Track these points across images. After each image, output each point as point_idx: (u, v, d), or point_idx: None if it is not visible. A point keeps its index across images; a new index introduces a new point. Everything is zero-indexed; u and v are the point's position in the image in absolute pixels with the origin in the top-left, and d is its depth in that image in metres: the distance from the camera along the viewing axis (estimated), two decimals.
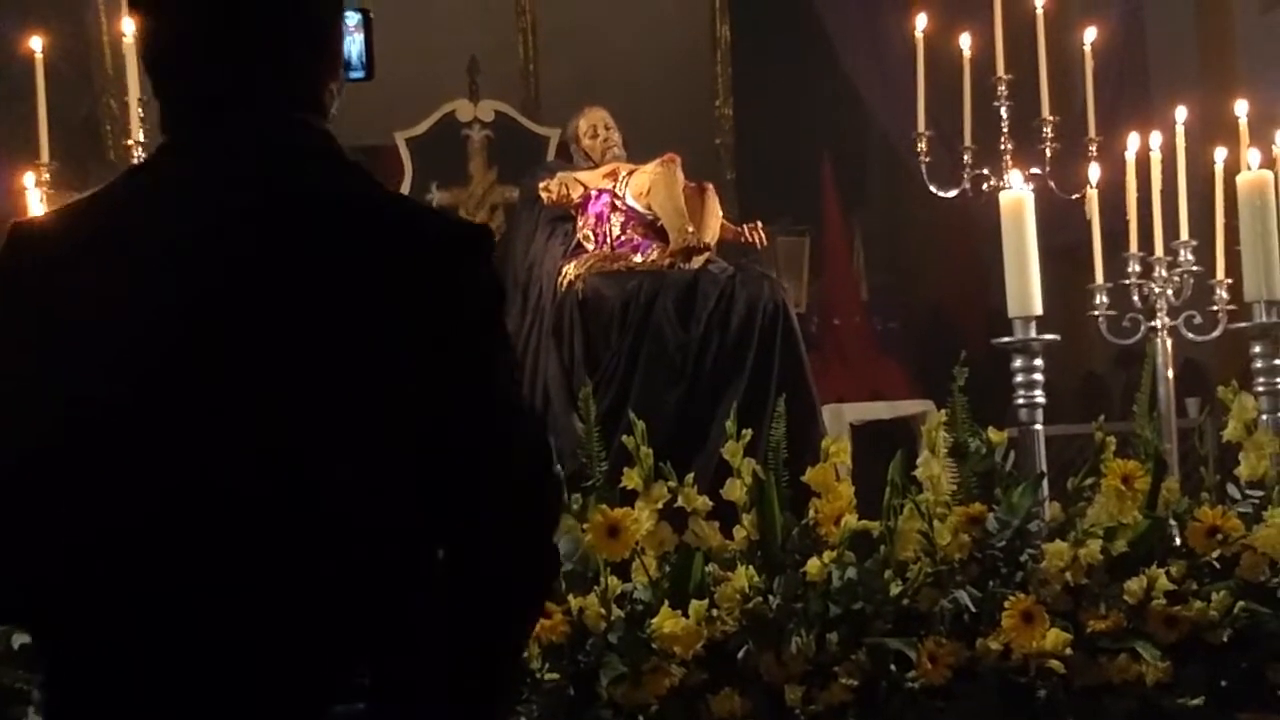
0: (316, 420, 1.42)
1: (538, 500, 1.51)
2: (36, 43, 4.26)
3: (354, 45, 1.73)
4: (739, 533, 3.30)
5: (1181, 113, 4.26)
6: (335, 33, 1.56)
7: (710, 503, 3.30)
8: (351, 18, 1.72)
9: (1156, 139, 4.23)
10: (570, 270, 4.83)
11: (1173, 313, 4.18)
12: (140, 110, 4.13)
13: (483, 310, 1.49)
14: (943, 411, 3.50)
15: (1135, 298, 4.20)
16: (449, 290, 1.46)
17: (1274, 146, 4.35)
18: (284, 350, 1.43)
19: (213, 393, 1.42)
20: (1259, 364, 3.91)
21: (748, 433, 3.35)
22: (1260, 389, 3.86)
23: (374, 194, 1.53)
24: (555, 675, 3.04)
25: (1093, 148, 4.46)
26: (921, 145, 4.52)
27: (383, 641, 1.44)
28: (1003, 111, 4.46)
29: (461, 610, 1.45)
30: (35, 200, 4.15)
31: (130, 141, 4.20)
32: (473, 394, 1.46)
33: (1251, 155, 4.08)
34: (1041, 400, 3.75)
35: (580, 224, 5.04)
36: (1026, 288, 3.74)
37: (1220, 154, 4.25)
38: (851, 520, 3.27)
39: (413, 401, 1.43)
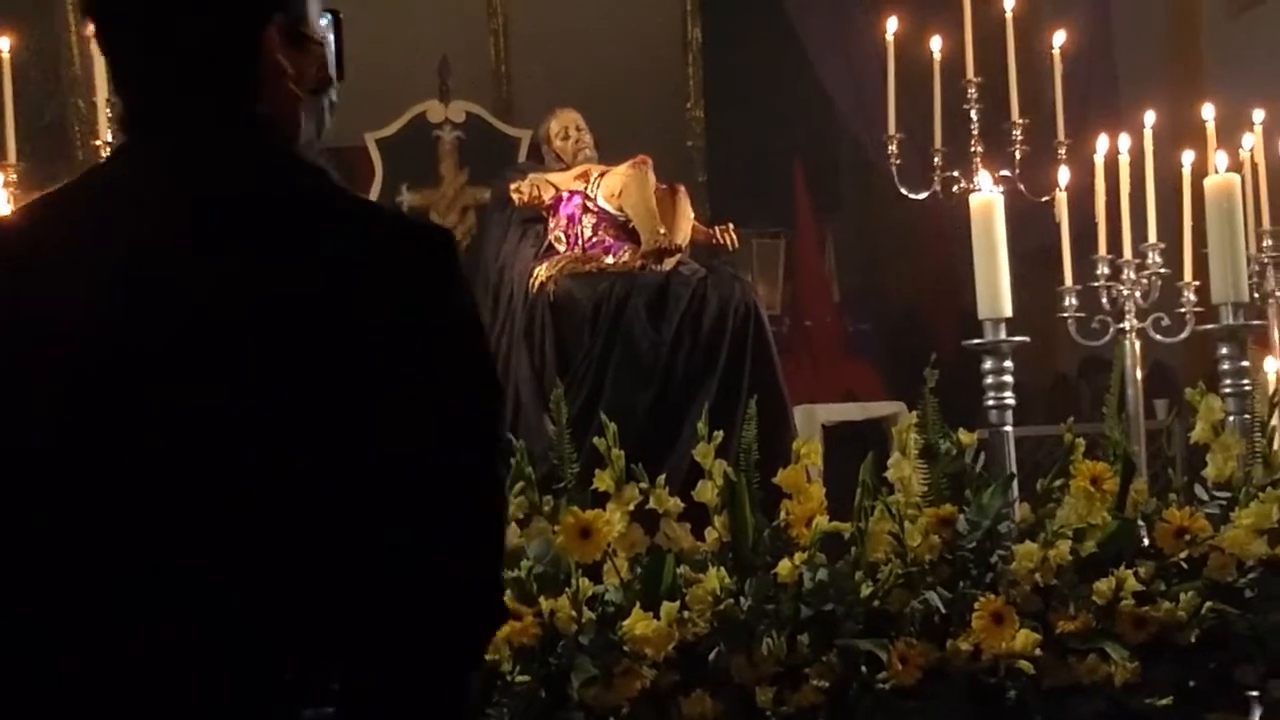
0: (276, 426, 1.40)
1: (492, 511, 1.50)
2: (3, 43, 4.24)
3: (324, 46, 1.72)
4: (710, 534, 3.30)
5: (1150, 116, 4.29)
6: (270, 40, 1.51)
7: (682, 504, 3.30)
8: (323, 18, 1.71)
9: (1125, 142, 4.26)
10: (542, 272, 4.83)
11: (1141, 315, 4.20)
12: (108, 111, 4.11)
13: (445, 317, 1.46)
14: (914, 413, 3.51)
15: (1104, 300, 4.23)
16: (404, 295, 1.43)
17: (1241, 150, 4.38)
18: (233, 357, 1.41)
19: (165, 400, 1.41)
20: (1226, 365, 3.93)
21: (719, 434, 3.36)
22: (1227, 390, 3.88)
23: (326, 196, 1.50)
24: (526, 677, 3.03)
25: (1062, 151, 4.49)
26: (892, 148, 4.53)
27: (354, 646, 1.44)
28: (972, 114, 4.48)
29: (417, 619, 1.44)
30: (2, 200, 4.14)
31: (98, 142, 4.19)
32: (427, 406, 1.44)
33: (1219, 158, 4.11)
34: (1011, 402, 3.77)
35: (552, 225, 5.04)
36: (996, 290, 3.76)
37: (1188, 157, 4.28)
38: (823, 522, 3.28)
39: (368, 409, 1.42)
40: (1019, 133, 4.48)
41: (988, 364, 3.76)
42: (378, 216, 1.54)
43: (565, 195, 5.04)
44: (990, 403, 3.76)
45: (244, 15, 1.51)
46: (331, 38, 1.63)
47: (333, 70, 1.59)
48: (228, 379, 1.41)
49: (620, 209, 4.94)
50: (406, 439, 1.43)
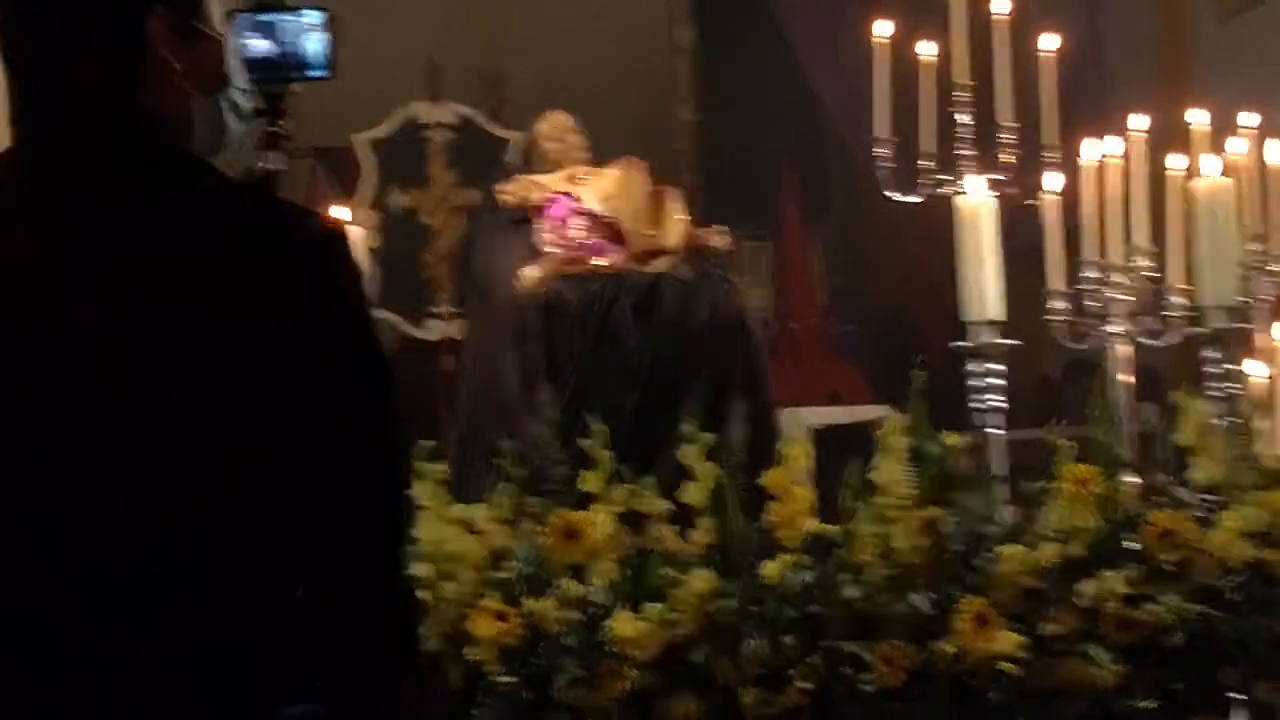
0: (185, 421, 1.41)
1: (390, 494, 1.51)
2: None
3: (315, 44, 1.73)
4: (697, 536, 3.30)
5: (1139, 120, 4.29)
6: (154, 32, 1.50)
7: (669, 506, 3.30)
8: (313, 16, 1.72)
9: (1115, 146, 4.26)
10: (530, 273, 4.83)
11: (1128, 318, 4.20)
12: None
13: (334, 306, 1.47)
14: (900, 414, 3.51)
15: (1090, 303, 4.23)
16: (293, 286, 1.44)
17: (1230, 154, 4.38)
18: (132, 353, 1.41)
19: (77, 397, 1.41)
20: (1213, 369, 3.94)
21: (707, 436, 3.36)
22: (1214, 394, 3.89)
23: (212, 191, 1.50)
24: (510, 678, 3.03)
25: (1050, 154, 4.49)
26: (880, 150, 4.53)
27: (333, 642, 1.44)
28: (960, 118, 4.48)
29: (325, 619, 1.44)
30: None
31: None
32: (318, 396, 1.44)
33: (1209, 163, 4.11)
34: (999, 404, 3.77)
35: (541, 227, 5.04)
36: (984, 292, 3.76)
37: (1177, 161, 4.29)
38: (808, 523, 3.28)
39: (265, 400, 1.42)
40: (1007, 136, 4.47)
41: (974, 366, 3.76)
42: (265, 208, 1.53)
43: (554, 197, 5.04)
44: (978, 405, 3.76)
45: (126, 5, 1.50)
46: (323, 35, 1.63)
47: (230, 70, 1.56)
48: (130, 376, 1.41)
49: (609, 211, 4.94)
50: (300, 429, 1.43)
